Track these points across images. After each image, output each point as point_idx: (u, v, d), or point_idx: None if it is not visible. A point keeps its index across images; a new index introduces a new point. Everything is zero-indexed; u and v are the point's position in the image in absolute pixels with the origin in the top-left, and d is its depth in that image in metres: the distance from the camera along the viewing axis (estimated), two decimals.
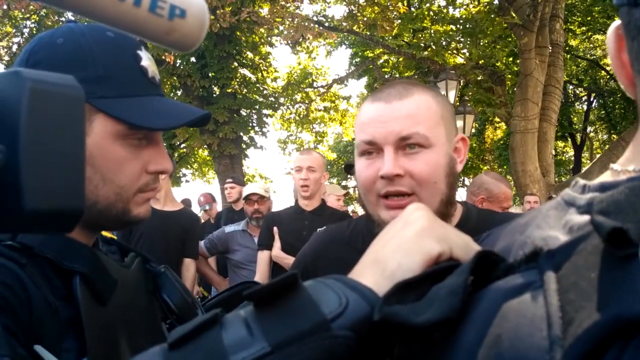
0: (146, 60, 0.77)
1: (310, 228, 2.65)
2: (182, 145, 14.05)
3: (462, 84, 10.02)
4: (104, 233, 0.90)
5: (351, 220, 1.21)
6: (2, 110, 0.43)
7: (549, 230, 0.41)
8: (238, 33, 11.03)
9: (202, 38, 0.51)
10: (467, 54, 10.59)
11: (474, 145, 15.29)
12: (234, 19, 8.35)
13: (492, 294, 0.37)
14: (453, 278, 0.40)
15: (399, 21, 10.78)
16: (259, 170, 19.28)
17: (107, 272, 0.74)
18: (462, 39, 10.82)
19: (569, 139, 16.92)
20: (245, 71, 11.84)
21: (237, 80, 11.61)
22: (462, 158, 1.02)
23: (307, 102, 14.55)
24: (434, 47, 10.45)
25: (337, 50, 15.84)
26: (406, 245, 0.49)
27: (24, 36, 11.67)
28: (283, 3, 9.15)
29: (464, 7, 11.89)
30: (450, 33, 10.86)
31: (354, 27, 10.46)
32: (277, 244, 2.76)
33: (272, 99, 13.02)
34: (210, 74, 11.21)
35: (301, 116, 15.12)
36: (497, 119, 12.69)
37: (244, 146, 12.15)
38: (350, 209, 8.31)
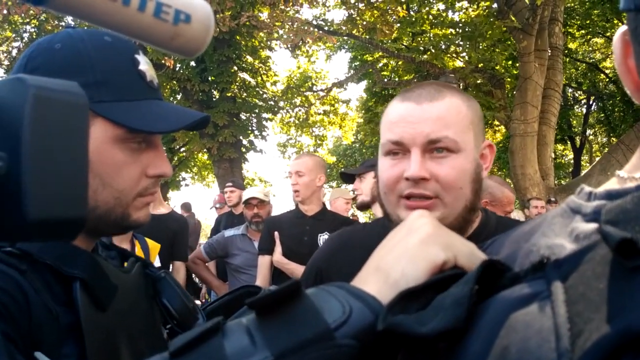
0: (144, 64, 0.77)
1: (312, 233, 2.64)
2: (182, 149, 14.03)
3: (461, 87, 10.02)
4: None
5: (367, 223, 1.20)
6: (5, 117, 0.42)
7: (554, 238, 0.40)
8: (238, 37, 11.05)
9: (208, 43, 0.51)
10: (467, 58, 10.62)
11: None
12: (233, 23, 8.35)
13: (498, 304, 0.36)
14: (458, 287, 0.40)
15: (399, 25, 10.78)
16: (258, 174, 19.34)
17: (107, 278, 0.73)
18: (461, 43, 10.86)
19: (569, 142, 16.93)
20: (244, 75, 11.83)
21: (237, 84, 11.62)
22: (487, 165, 1.00)
23: (306, 105, 14.54)
24: (433, 50, 10.48)
25: (337, 54, 15.83)
26: (410, 252, 0.49)
27: (24, 41, 11.67)
28: (283, 7, 9.16)
29: (463, 10, 11.90)
30: (450, 37, 10.90)
31: (354, 31, 10.46)
32: (278, 248, 2.75)
33: (272, 102, 13.04)
34: (209, 78, 11.22)
35: (301, 120, 15.12)
36: (496, 122, 12.68)
37: (244, 150, 12.15)
38: (349, 212, 8.28)
